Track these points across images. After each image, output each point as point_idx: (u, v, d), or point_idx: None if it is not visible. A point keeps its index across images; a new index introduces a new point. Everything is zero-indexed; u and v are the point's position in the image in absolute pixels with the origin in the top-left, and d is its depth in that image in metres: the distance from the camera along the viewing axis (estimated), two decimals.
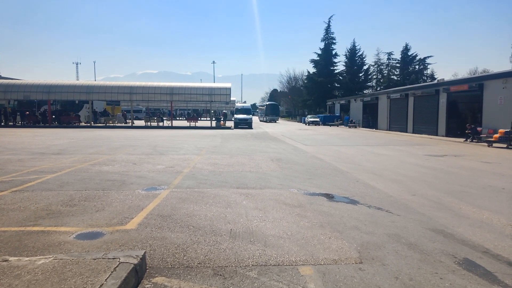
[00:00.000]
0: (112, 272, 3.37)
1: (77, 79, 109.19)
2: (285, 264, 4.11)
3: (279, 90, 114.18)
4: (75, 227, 5.28)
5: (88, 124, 40.49)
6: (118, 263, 3.57)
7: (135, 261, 3.64)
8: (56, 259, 3.65)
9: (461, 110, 29.03)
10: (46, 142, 19.35)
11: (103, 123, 42.04)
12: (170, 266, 4.01)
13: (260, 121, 73.32)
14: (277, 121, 69.31)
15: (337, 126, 49.81)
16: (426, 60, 71.44)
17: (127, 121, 44.72)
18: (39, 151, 15.04)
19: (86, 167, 10.94)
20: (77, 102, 44.74)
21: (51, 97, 38.36)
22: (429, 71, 72.33)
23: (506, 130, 19.12)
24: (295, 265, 4.09)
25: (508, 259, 4.36)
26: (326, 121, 53.65)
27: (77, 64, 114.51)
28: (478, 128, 23.14)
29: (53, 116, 40.50)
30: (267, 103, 76.84)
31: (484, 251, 4.60)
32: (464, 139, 23.33)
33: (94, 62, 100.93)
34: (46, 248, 4.46)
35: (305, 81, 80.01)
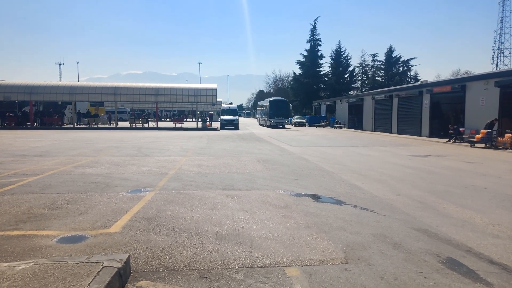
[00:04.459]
0: (95, 276, 3.30)
1: (60, 80, 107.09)
2: (271, 265, 4.10)
3: (265, 91, 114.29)
4: (57, 231, 5.17)
5: (72, 126, 39.76)
6: (101, 267, 3.49)
7: (119, 265, 3.57)
8: (37, 264, 3.55)
9: (444, 111, 29.59)
10: (28, 144, 18.91)
11: (87, 125, 41.37)
12: (155, 270, 3.95)
13: (260, 125, 51.99)
14: (285, 126, 47.33)
15: (323, 127, 50.13)
16: (409, 62, 72.69)
17: (111, 122, 44.11)
18: (21, 153, 14.68)
19: (69, 169, 10.72)
20: (59, 103, 43.89)
21: (33, 98, 37.50)
22: (412, 73, 73.66)
23: (488, 130, 19.57)
24: (282, 266, 4.09)
25: (490, 257, 4.44)
26: (312, 122, 53.94)
27: (60, 64, 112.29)
28: (461, 129, 23.62)
29: (35, 118, 39.65)
30: (270, 99, 49.61)
31: (467, 250, 4.68)
32: (447, 140, 23.78)
33: (78, 63, 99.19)
34: (26, 253, 4.34)
35: (291, 82, 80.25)
